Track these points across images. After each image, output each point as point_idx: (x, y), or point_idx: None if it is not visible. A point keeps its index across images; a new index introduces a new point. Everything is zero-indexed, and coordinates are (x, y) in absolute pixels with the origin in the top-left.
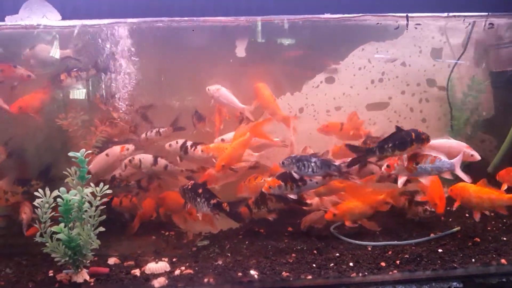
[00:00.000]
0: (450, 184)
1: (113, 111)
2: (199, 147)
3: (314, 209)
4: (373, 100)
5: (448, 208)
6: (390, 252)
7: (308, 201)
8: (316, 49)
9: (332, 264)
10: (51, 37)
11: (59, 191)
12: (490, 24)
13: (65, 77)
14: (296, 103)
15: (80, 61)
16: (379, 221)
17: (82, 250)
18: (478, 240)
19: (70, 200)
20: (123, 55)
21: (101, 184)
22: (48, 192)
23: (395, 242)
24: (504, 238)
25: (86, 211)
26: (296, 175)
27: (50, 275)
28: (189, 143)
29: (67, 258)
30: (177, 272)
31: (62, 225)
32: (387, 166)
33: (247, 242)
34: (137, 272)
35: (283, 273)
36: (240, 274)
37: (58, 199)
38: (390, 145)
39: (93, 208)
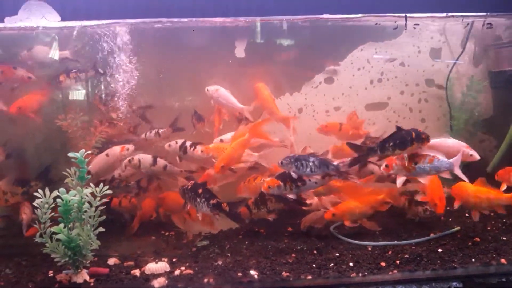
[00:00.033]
0: (450, 184)
1: (112, 112)
2: (199, 147)
3: (313, 209)
4: (372, 100)
5: (448, 208)
6: (390, 252)
7: (308, 201)
8: (315, 49)
9: (332, 264)
10: (50, 39)
11: (58, 192)
12: (488, 24)
13: (64, 78)
14: (295, 103)
15: (79, 62)
16: (379, 221)
17: (82, 250)
18: (478, 240)
19: (69, 201)
20: (122, 56)
21: (101, 185)
22: (47, 192)
23: (395, 242)
24: (504, 238)
25: (85, 211)
26: (294, 175)
27: (50, 275)
28: (188, 143)
29: (67, 259)
30: (177, 272)
31: (61, 225)
32: (386, 166)
33: (247, 242)
34: (137, 272)
35: (283, 273)
36: (240, 274)
37: (58, 200)
38: (391, 144)
39: (93, 209)
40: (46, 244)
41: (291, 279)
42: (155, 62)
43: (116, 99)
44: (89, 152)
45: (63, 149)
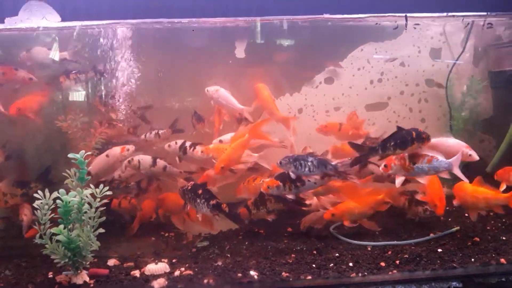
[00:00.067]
0: (450, 184)
1: (112, 113)
2: (198, 148)
3: (313, 209)
4: (372, 100)
5: (448, 208)
6: (389, 252)
7: (307, 202)
8: (315, 49)
9: (332, 264)
10: (49, 39)
11: (58, 193)
12: (489, 24)
13: (64, 79)
14: (296, 103)
15: (78, 63)
16: (378, 221)
17: (81, 251)
18: (478, 239)
19: (69, 202)
20: (122, 56)
21: (101, 186)
22: (47, 193)
23: (395, 242)
24: (504, 238)
25: (85, 212)
26: (292, 175)
27: (49, 276)
28: (188, 144)
29: (66, 260)
30: (176, 273)
31: (61, 226)
32: (385, 166)
33: (246, 243)
34: (136, 273)
35: (283, 273)
36: (240, 275)
37: (58, 201)
38: (392, 144)
39: (93, 210)
40: (46, 245)
41: (291, 279)
42: (155, 62)
43: (115, 100)
44: (89, 153)
45: (63, 150)
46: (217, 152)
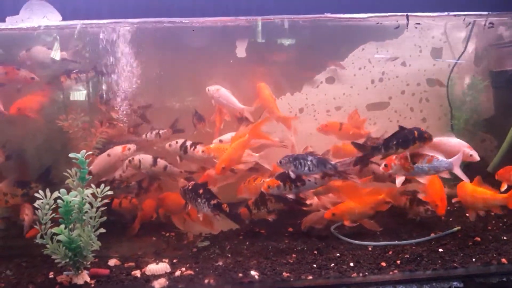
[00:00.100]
0: (450, 183)
1: (112, 112)
2: (199, 147)
3: (314, 209)
4: (374, 100)
5: (449, 207)
6: (390, 252)
7: (308, 202)
8: (316, 49)
9: (333, 264)
10: (50, 38)
11: (59, 193)
12: (490, 23)
13: (64, 79)
14: (296, 103)
15: (77, 62)
16: (379, 221)
17: (82, 251)
18: (479, 239)
19: (70, 202)
20: (123, 56)
21: (102, 186)
22: (48, 193)
23: (396, 242)
24: (505, 238)
25: (86, 212)
26: (292, 175)
27: (50, 276)
28: (188, 143)
29: (67, 260)
30: (177, 273)
31: (62, 226)
32: (385, 165)
33: (247, 243)
34: (137, 273)
35: (284, 273)
36: (240, 275)
37: (59, 201)
38: (394, 142)
39: (94, 210)
40: (47, 245)
41: (291, 279)
42: (156, 62)
43: (116, 99)
44: (90, 152)
45: (63, 150)
46: (218, 151)
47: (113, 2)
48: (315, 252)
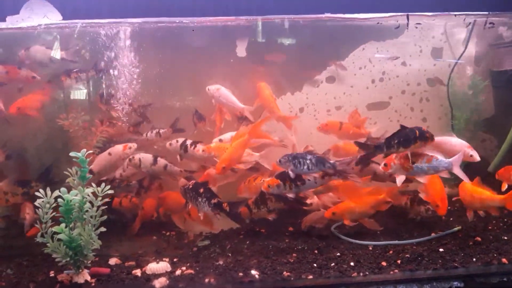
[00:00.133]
0: (451, 183)
1: (113, 111)
2: (199, 146)
3: (314, 209)
4: (374, 99)
5: (449, 207)
6: (391, 252)
7: (308, 201)
8: (316, 49)
9: (333, 263)
10: (50, 38)
11: (59, 191)
12: (490, 23)
13: (65, 78)
14: (297, 102)
15: (75, 62)
16: (379, 221)
17: (83, 250)
18: (479, 239)
19: (71, 200)
20: (123, 55)
21: (103, 185)
22: (48, 192)
23: (396, 242)
24: (505, 237)
25: (87, 211)
26: (291, 173)
27: (51, 275)
28: (189, 142)
29: (68, 259)
30: (178, 272)
31: (63, 225)
32: (384, 165)
33: (248, 242)
34: (138, 272)
35: (284, 273)
36: (241, 274)
37: (59, 199)
38: (395, 141)
39: (94, 208)
40: (47, 244)
41: (292, 278)
42: (156, 61)
43: (117, 98)
44: (91, 151)
45: (64, 149)
46: (218, 150)
47: (113, 2)
48: (316, 251)
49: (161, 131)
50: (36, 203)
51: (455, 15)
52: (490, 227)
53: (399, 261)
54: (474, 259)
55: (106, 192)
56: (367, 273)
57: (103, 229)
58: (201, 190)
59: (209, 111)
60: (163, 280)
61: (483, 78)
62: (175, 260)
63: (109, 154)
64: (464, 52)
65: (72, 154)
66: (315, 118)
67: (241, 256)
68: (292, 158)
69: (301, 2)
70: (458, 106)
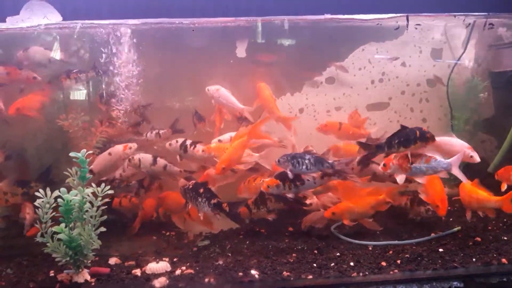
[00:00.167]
0: (451, 184)
1: (112, 112)
2: (199, 146)
3: (314, 209)
4: (374, 100)
5: (449, 208)
6: (390, 252)
7: (308, 201)
8: (316, 50)
9: (333, 263)
10: (50, 39)
11: (59, 191)
12: (490, 24)
13: (64, 79)
14: (296, 103)
15: (69, 64)
16: (379, 221)
17: (83, 250)
18: (479, 239)
19: (70, 200)
20: (123, 56)
21: (102, 185)
22: (48, 192)
23: (396, 242)
24: (505, 238)
25: (87, 211)
26: (290, 174)
27: (51, 275)
28: (188, 142)
29: (68, 258)
30: (177, 272)
31: (62, 225)
32: (383, 165)
33: (247, 242)
34: (138, 272)
35: (284, 272)
36: (241, 274)
37: (59, 199)
38: (396, 141)
39: (94, 208)
40: (47, 244)
41: (292, 278)
42: (156, 62)
43: (116, 99)
44: (90, 152)
45: (64, 149)
46: (218, 151)
47: (113, 3)
48: (315, 251)
49: (161, 131)
50: (36, 203)
51: (455, 16)
52: (489, 228)
53: (399, 261)
54: (473, 259)
55: (106, 192)
56: (366, 273)
57: (103, 229)
58: (201, 190)
59: (208, 111)
60: (163, 280)
61: (482, 79)
62: (175, 260)
63: (109, 154)
64: (463, 53)
65: (72, 154)
66: (314, 118)
67: (241, 256)
68: (290, 158)
69: (301, 3)
70: (458, 107)
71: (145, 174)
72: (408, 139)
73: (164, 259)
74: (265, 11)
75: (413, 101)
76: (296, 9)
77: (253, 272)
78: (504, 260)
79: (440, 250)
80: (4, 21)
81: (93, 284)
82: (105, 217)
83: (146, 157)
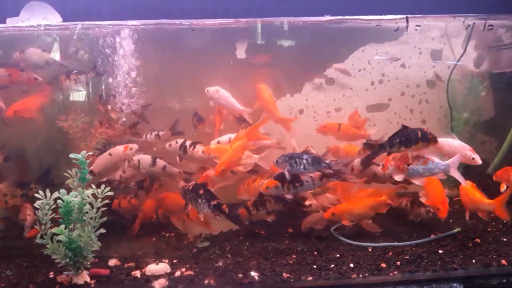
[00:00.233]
0: (450, 185)
1: (112, 113)
2: (199, 147)
3: (314, 210)
4: (373, 101)
5: (449, 209)
6: (390, 253)
7: (308, 203)
8: (316, 51)
9: (333, 265)
10: (50, 39)
11: (59, 193)
12: (489, 25)
13: (64, 80)
14: (296, 104)
15: (64, 66)
16: (379, 222)
17: (82, 251)
18: (479, 241)
19: (70, 202)
20: (122, 57)
21: (102, 186)
22: (48, 193)
23: (396, 243)
24: (505, 239)
25: (87, 212)
26: (287, 174)
27: (50, 276)
28: (188, 143)
29: (67, 260)
30: (177, 273)
31: (62, 226)
32: (382, 165)
33: (247, 244)
34: (137, 273)
35: (284, 274)
36: (240, 275)
37: (59, 201)
38: (397, 140)
39: (94, 210)
40: (47, 245)
41: (291, 280)
42: (155, 63)
43: (115, 100)
44: (90, 153)
45: (64, 150)
46: (218, 152)
47: (113, 3)
48: (315, 253)
49: (161, 133)
50: (35, 205)
51: (455, 17)
52: (489, 229)
53: (398, 263)
54: (473, 261)
55: (106, 194)
56: (366, 274)
57: (102, 230)
58: (201, 192)
59: (208, 112)
60: (162, 281)
61: (482, 80)
62: (174, 261)
63: (110, 154)
64: (463, 54)
65: (72, 155)
66: (314, 119)
67: (240, 257)
68: (288, 158)
69: (300, 4)
70: (458, 108)
71: (145, 175)
72: (409, 139)
73: (163, 260)
74: (265, 12)
75: (413, 102)
76: (296, 10)
77: (252, 273)
78: (503, 262)
79: (440, 251)
80: (4, 22)
81: (92, 285)
82: (105, 218)
83: (146, 158)
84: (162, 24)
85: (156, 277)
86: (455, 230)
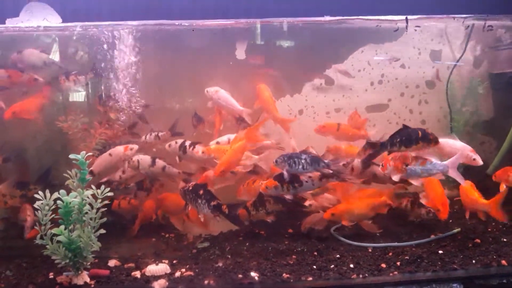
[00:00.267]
0: (450, 186)
1: (111, 114)
2: (198, 147)
3: (314, 210)
4: (373, 102)
5: (449, 210)
6: (390, 254)
7: (308, 203)
8: (316, 51)
9: (333, 265)
10: (49, 40)
11: (59, 193)
12: (489, 26)
13: (63, 80)
14: (296, 104)
15: (62, 67)
16: (379, 223)
17: (82, 252)
18: (479, 241)
19: (70, 203)
20: (122, 57)
21: (102, 187)
22: (48, 194)
23: (396, 244)
24: (505, 239)
25: (86, 213)
26: (286, 174)
27: (50, 277)
28: (187, 143)
29: (67, 260)
30: (177, 274)
31: (62, 227)
32: (381, 165)
33: (247, 244)
34: (137, 274)
35: (284, 274)
36: (240, 276)
37: (58, 202)
38: (397, 140)
39: (94, 210)
40: (47, 246)
41: (291, 280)
42: (156, 63)
43: (116, 100)
44: (90, 154)
45: (63, 151)
46: (218, 152)
47: (113, 4)
48: (315, 253)
49: (160, 134)
50: (35, 205)
51: (454, 17)
52: (489, 229)
53: (398, 263)
54: (473, 261)
55: (105, 195)
56: (366, 275)
57: (102, 231)
58: (201, 192)
59: (208, 113)
60: (162, 282)
61: (482, 81)
62: (174, 262)
63: (110, 155)
64: (463, 54)
65: (71, 156)
66: (314, 120)
67: (240, 258)
68: (287, 158)
69: (300, 5)
70: (457, 109)
71: (144, 175)
72: (410, 139)
73: (163, 261)
74: (265, 13)
75: (412, 103)
76: (296, 11)
77: (252, 274)
78: (503, 262)
79: (440, 251)
80: (4, 23)
81: (92, 286)
82: (104, 219)
83: (145, 159)
84: (162, 25)
85: (156, 277)
86: (455, 231)
